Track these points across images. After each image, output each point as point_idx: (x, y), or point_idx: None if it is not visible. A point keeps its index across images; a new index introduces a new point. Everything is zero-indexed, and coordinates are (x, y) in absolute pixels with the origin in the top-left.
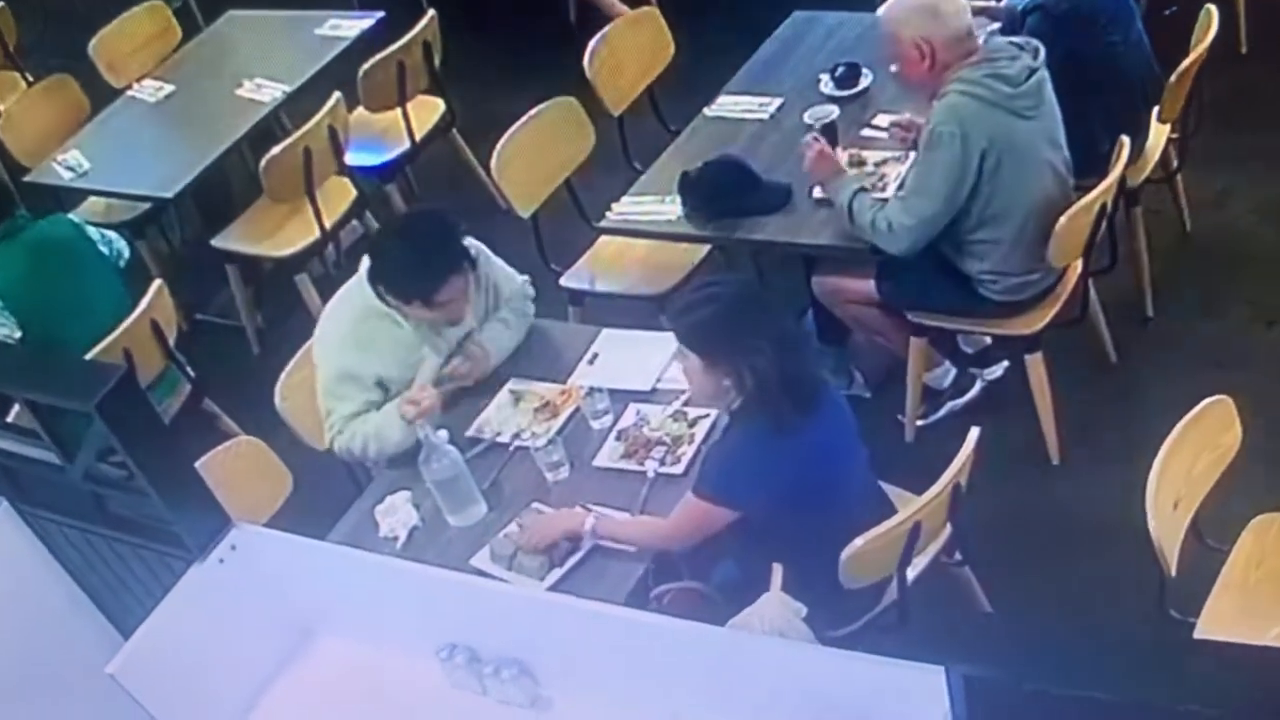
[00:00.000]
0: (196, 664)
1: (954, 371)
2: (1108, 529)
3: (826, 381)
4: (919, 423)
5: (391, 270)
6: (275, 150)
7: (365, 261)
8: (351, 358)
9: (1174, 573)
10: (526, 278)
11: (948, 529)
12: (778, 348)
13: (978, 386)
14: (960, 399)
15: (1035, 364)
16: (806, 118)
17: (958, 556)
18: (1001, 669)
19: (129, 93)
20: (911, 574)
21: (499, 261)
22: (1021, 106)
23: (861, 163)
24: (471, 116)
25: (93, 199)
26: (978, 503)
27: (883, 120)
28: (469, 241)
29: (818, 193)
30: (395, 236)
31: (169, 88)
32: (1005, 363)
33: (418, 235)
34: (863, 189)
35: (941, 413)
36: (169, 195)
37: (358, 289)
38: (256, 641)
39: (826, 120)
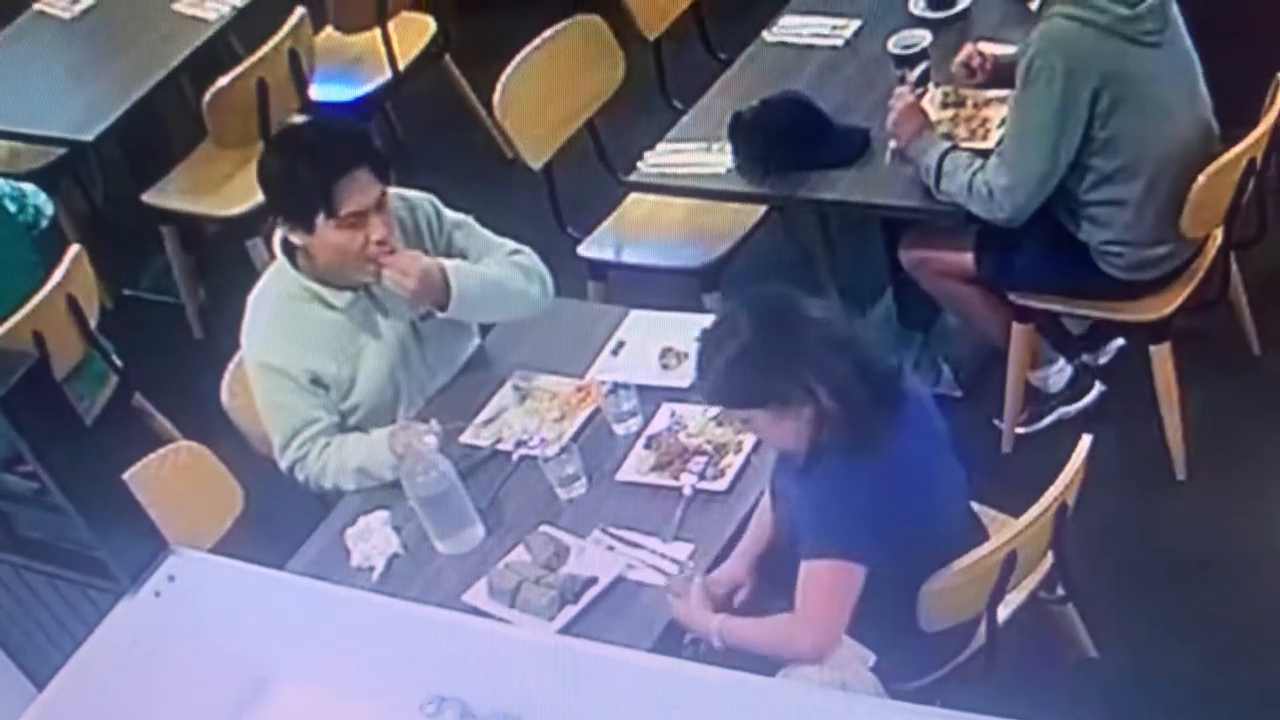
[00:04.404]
0: None
1: (1070, 372)
2: (1243, 559)
3: (905, 375)
4: (1019, 430)
5: (280, 187)
6: (222, 82)
7: (278, 234)
8: (276, 351)
9: None
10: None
11: (1049, 559)
12: (836, 347)
13: (1096, 391)
14: (1074, 405)
15: (1162, 357)
16: (891, 45)
17: (1060, 591)
18: None
19: (37, 6)
20: (1003, 613)
21: (485, 232)
22: (1141, 31)
23: (959, 103)
24: (470, 39)
25: None
26: (1085, 527)
27: (986, 49)
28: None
29: (893, 144)
30: (274, 153)
31: (88, 1)
32: (1120, 341)
33: (298, 137)
34: (955, 147)
35: (1049, 420)
36: (88, 138)
37: (276, 271)
38: (201, 693)
39: (915, 49)
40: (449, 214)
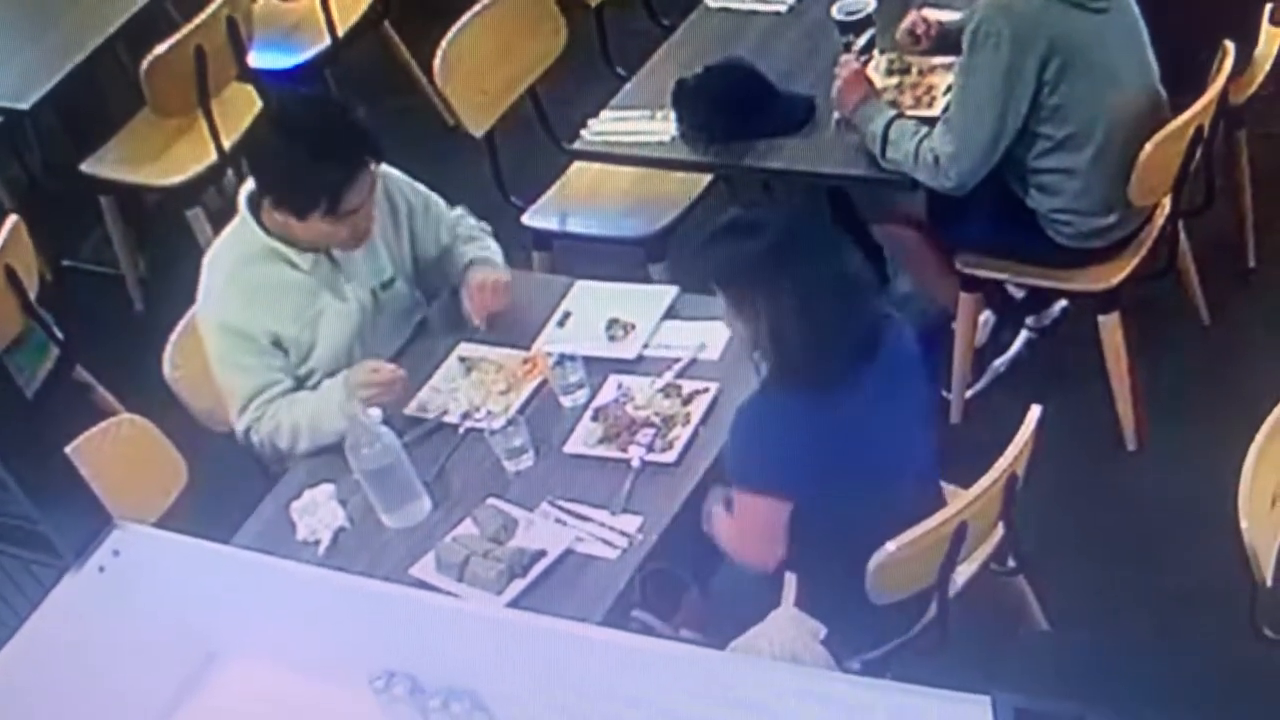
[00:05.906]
0: (72, 697)
1: (991, 321)
2: (1193, 529)
3: (893, 338)
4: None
5: (282, 172)
6: (160, 49)
7: (244, 190)
8: (236, 311)
9: (1269, 582)
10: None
11: (999, 530)
12: (812, 293)
13: (1022, 338)
14: (1005, 356)
15: (1111, 327)
16: (835, 11)
17: (1010, 563)
18: (1060, 699)
19: None
20: (954, 585)
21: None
22: None
23: (905, 70)
24: (409, 5)
25: None
26: (1035, 498)
27: (931, 15)
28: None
29: (836, 115)
30: (278, 132)
31: None
32: (1063, 302)
33: (306, 126)
34: (900, 114)
35: (985, 379)
36: (24, 106)
37: (239, 228)
38: (148, 668)
39: (860, 15)
40: (419, 186)
